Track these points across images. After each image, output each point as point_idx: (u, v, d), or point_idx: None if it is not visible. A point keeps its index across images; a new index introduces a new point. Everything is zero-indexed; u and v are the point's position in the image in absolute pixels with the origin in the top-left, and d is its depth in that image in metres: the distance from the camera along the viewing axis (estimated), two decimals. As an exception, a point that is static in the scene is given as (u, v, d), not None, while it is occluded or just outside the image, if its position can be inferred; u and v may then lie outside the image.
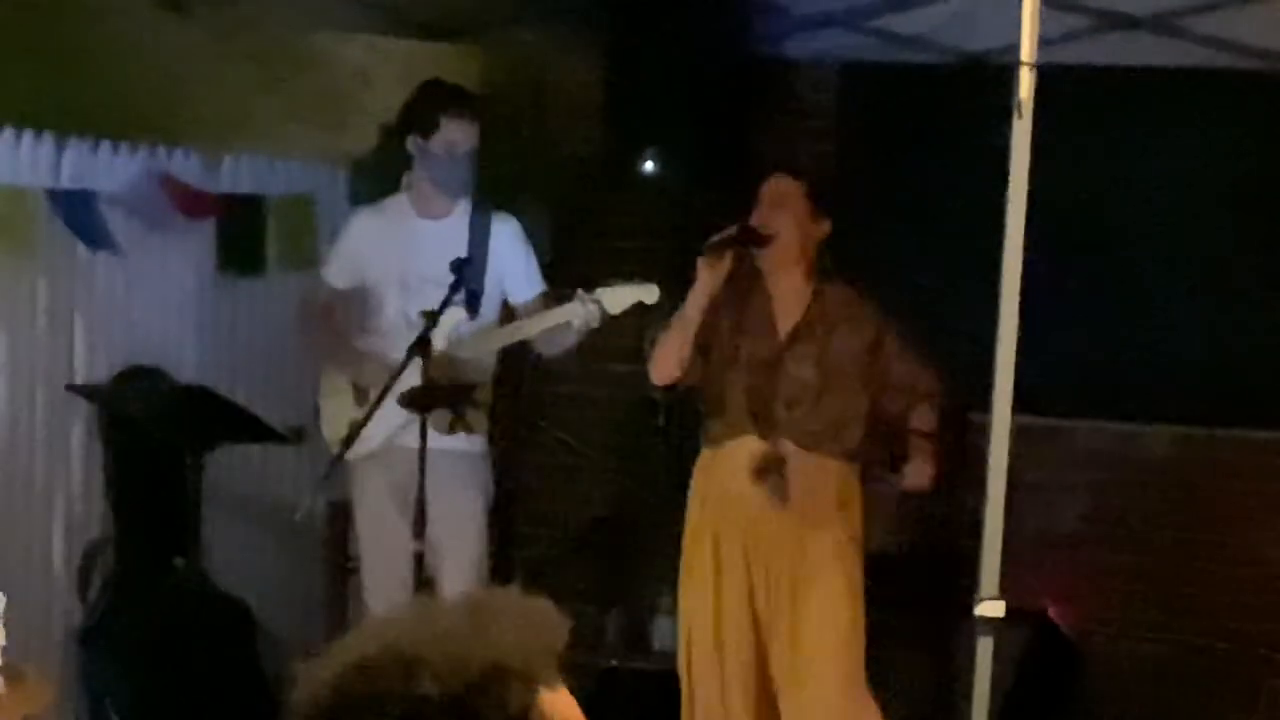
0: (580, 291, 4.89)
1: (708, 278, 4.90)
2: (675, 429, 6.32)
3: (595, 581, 6.57)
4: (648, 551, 6.51)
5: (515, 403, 5.67)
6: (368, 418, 4.66)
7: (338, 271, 5.23)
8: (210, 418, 5.40)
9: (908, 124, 6.25)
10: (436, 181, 5.11)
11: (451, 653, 1.43)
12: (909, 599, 6.03)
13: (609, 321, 4.93)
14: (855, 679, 4.96)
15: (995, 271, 4.28)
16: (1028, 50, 4.18)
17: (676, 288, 4.94)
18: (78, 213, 5.07)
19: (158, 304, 5.56)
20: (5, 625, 3.86)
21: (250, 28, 5.63)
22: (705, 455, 5.11)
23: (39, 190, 4.99)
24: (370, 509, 5.16)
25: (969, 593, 4.44)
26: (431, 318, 4.70)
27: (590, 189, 6.36)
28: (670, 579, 5.27)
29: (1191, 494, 6.34)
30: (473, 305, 5.02)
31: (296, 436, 5.50)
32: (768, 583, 4.97)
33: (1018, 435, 4.36)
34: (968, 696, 4.46)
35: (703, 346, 5.00)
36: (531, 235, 5.28)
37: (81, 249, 5.17)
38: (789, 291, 5.04)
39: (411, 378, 4.68)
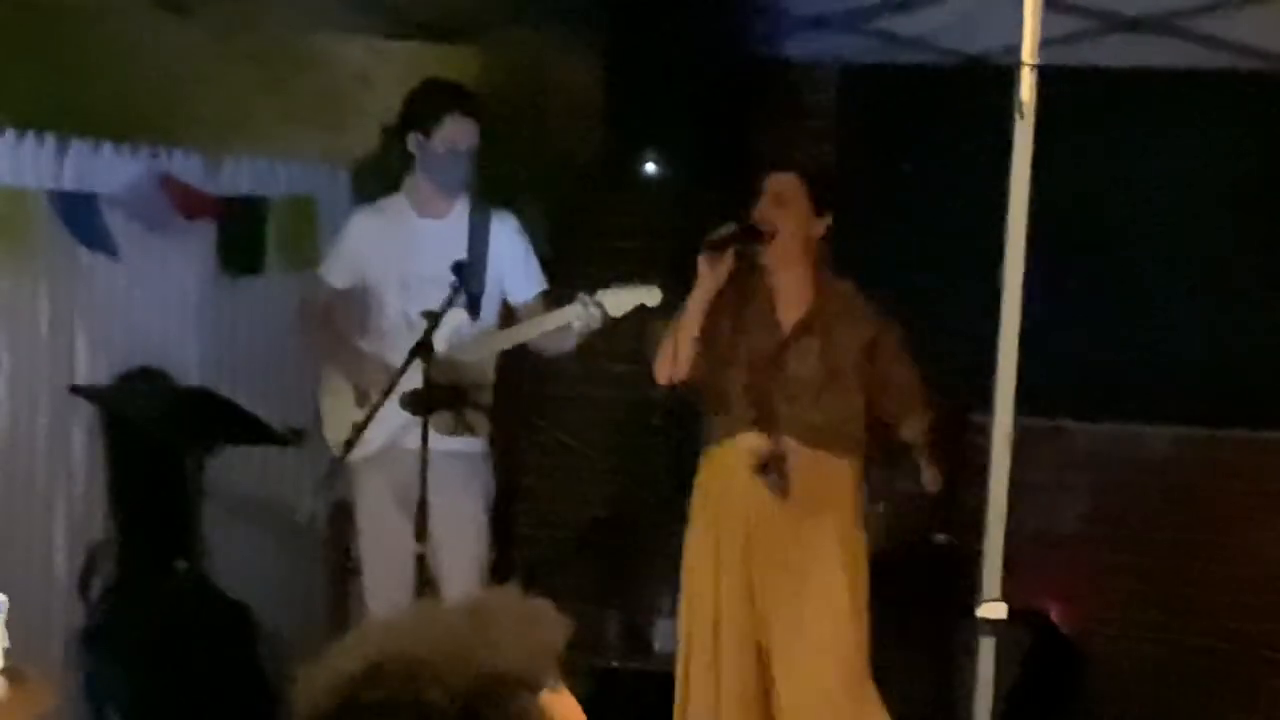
0: (582, 294, 4.89)
1: (709, 276, 4.90)
2: (675, 429, 6.32)
3: (595, 582, 6.57)
4: (648, 552, 6.51)
5: (515, 403, 5.67)
6: (368, 419, 4.65)
7: (337, 271, 5.23)
8: (211, 419, 5.41)
9: (909, 125, 6.26)
10: (437, 180, 5.11)
11: (455, 658, 1.43)
12: (909, 600, 6.03)
13: (609, 322, 4.93)
14: (858, 676, 4.96)
15: (996, 272, 4.28)
16: (1029, 51, 4.18)
17: (677, 288, 4.94)
18: (78, 214, 5.07)
19: (159, 305, 5.56)
20: (7, 627, 3.87)
21: (250, 29, 5.64)
22: (708, 453, 5.11)
23: (40, 191, 5.00)
24: (371, 510, 5.16)
25: (970, 593, 4.44)
26: (433, 319, 4.70)
27: (590, 189, 6.37)
28: (670, 580, 5.27)
29: (1192, 494, 6.35)
30: (473, 307, 5.02)
31: (296, 438, 5.50)
32: (768, 580, 4.97)
33: (1018, 436, 4.36)
34: (968, 697, 4.46)
35: (705, 344, 5.00)
36: (532, 236, 5.28)
37: (83, 250, 5.17)
38: (791, 288, 5.04)
39: (412, 379, 4.68)
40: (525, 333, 5.09)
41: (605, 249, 6.36)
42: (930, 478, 5.09)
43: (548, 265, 5.30)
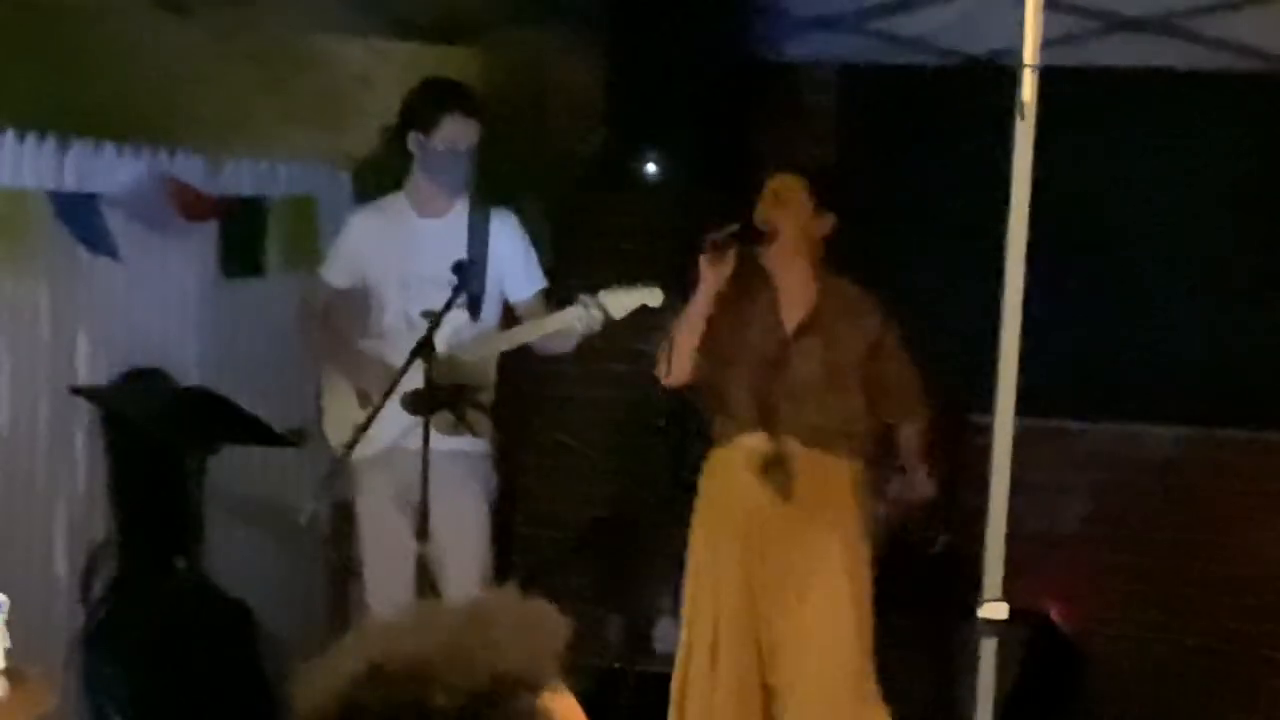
0: (583, 295, 4.89)
1: (711, 277, 4.90)
2: (676, 429, 6.32)
3: (597, 583, 6.57)
4: (648, 552, 6.51)
5: (515, 404, 5.67)
6: (370, 420, 4.65)
7: (337, 271, 5.24)
8: (212, 419, 5.40)
9: (909, 126, 6.25)
10: (437, 180, 5.11)
11: (458, 661, 1.43)
12: (910, 600, 6.03)
13: (610, 323, 4.93)
14: (861, 678, 4.96)
15: (997, 273, 4.28)
16: (1030, 52, 4.19)
17: (678, 289, 4.94)
18: (79, 215, 5.07)
19: (160, 305, 5.56)
20: (8, 627, 3.87)
21: (251, 29, 5.64)
22: (713, 454, 5.11)
23: (41, 192, 5.00)
24: (374, 511, 5.16)
25: (971, 594, 4.44)
26: (434, 319, 4.69)
27: (591, 190, 6.37)
28: (671, 580, 5.27)
29: (1192, 494, 6.35)
30: (474, 307, 5.02)
31: (297, 438, 5.50)
32: (771, 581, 4.97)
33: (1019, 436, 4.36)
34: (969, 697, 4.47)
35: (707, 345, 5.00)
36: (533, 236, 5.28)
37: (84, 251, 5.17)
38: (795, 288, 5.04)
39: (413, 380, 4.68)
40: (527, 334, 5.09)
41: (606, 249, 6.36)
42: (919, 483, 5.06)
43: (548, 266, 5.30)
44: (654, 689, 5.48)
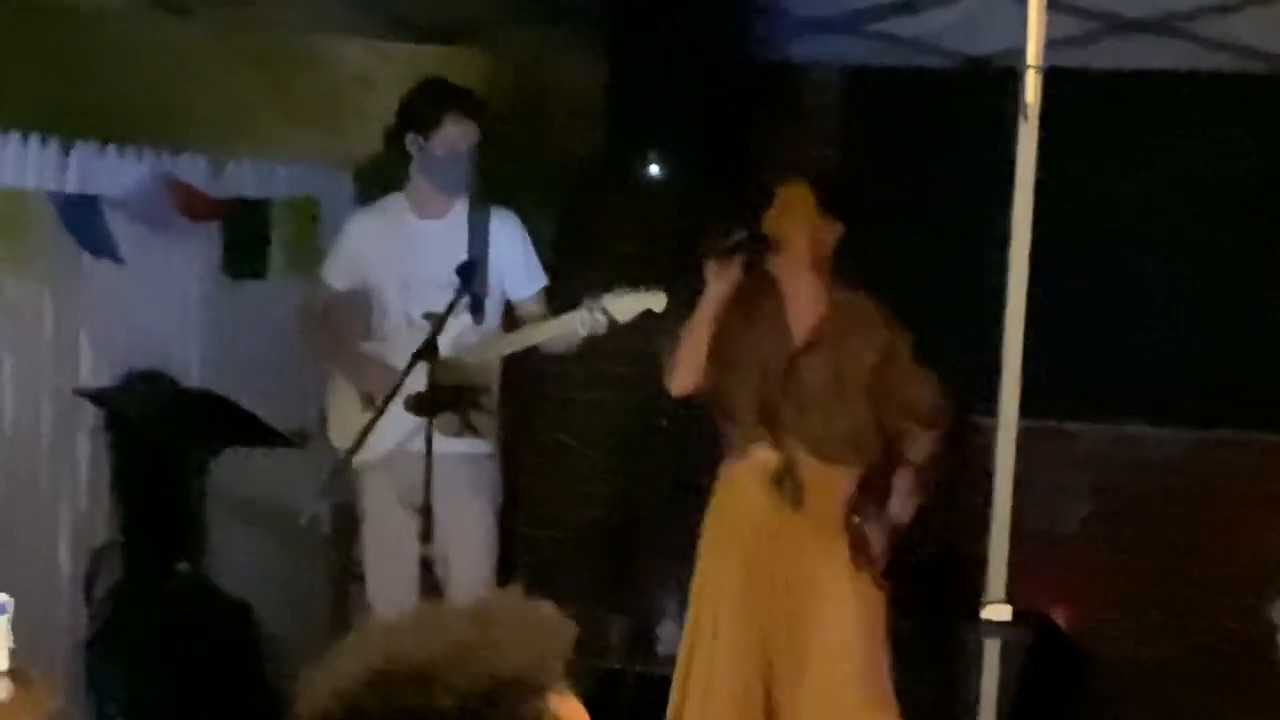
0: (587, 299, 4.88)
1: (717, 284, 4.88)
2: (679, 430, 6.32)
3: (600, 584, 6.57)
4: (652, 554, 6.51)
5: (518, 405, 5.67)
6: (372, 423, 4.65)
7: (337, 273, 5.23)
8: (214, 421, 5.41)
9: (912, 127, 6.25)
10: (436, 181, 5.10)
11: (462, 664, 1.43)
12: (912, 602, 6.03)
13: (614, 327, 4.92)
14: (873, 687, 4.93)
15: (1000, 274, 4.28)
16: (1033, 54, 4.19)
17: (682, 293, 4.94)
18: (81, 218, 5.07)
19: (162, 307, 5.57)
20: (11, 629, 3.87)
21: (252, 31, 5.64)
22: (724, 467, 5.09)
23: (44, 194, 5.00)
24: (379, 514, 5.15)
25: (974, 595, 4.44)
26: (437, 322, 4.69)
27: (594, 193, 6.37)
28: (674, 582, 5.27)
29: (1193, 495, 6.34)
30: (477, 309, 5.02)
31: (299, 440, 5.51)
32: (779, 592, 4.94)
33: (1020, 437, 4.36)
34: (971, 699, 4.47)
35: (716, 355, 4.98)
36: (534, 238, 5.28)
37: (87, 252, 5.18)
38: (803, 298, 5.01)
39: (417, 382, 4.68)
40: (530, 337, 5.09)
41: (607, 250, 6.35)
42: (899, 511, 5.00)
43: (550, 268, 5.29)
44: (655, 690, 5.48)
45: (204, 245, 5.70)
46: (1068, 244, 5.78)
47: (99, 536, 5.34)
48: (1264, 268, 6.19)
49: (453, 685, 1.42)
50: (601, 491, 6.79)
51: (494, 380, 5.13)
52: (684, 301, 4.94)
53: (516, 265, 5.18)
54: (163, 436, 5.39)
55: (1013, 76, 4.24)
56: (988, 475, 4.35)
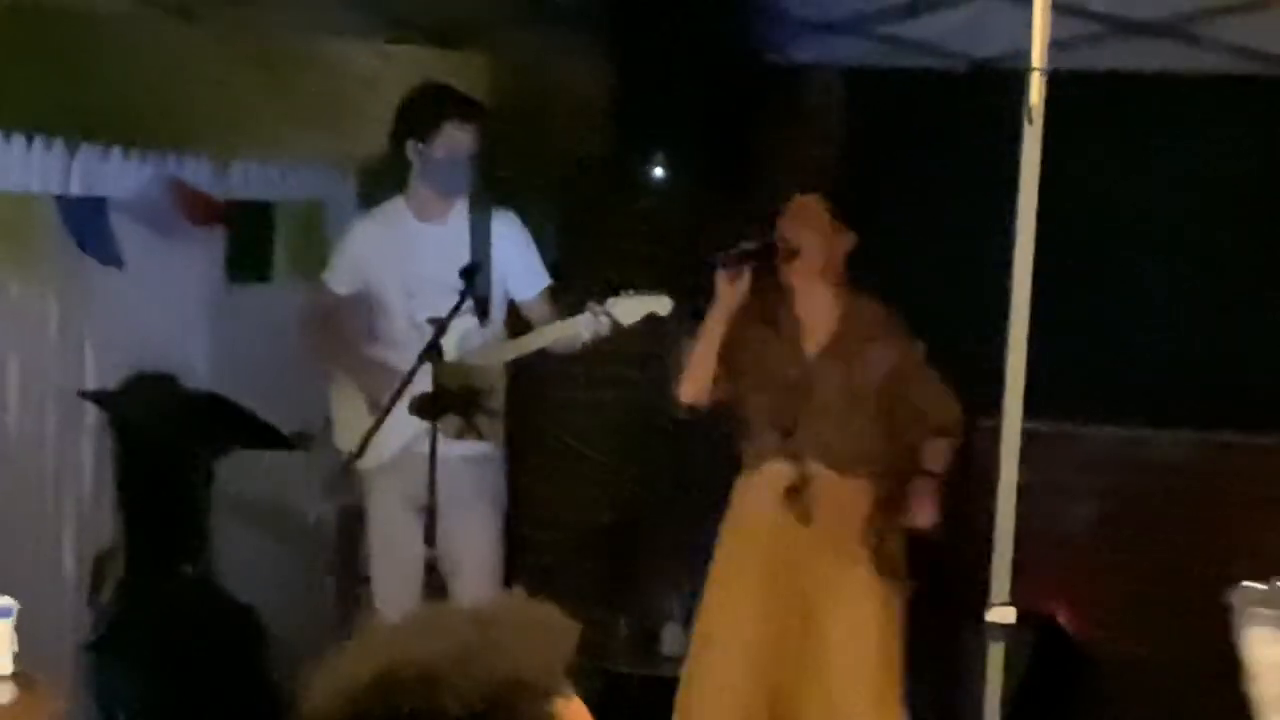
0: (591, 303, 4.88)
1: (728, 293, 4.86)
2: (683, 433, 6.32)
3: (603, 586, 6.56)
4: (656, 556, 6.50)
5: (522, 407, 5.67)
6: (377, 426, 4.64)
7: (339, 277, 5.23)
8: (219, 423, 5.41)
9: (916, 129, 6.25)
10: (436, 185, 5.09)
11: (466, 666, 1.42)
12: (915, 604, 6.02)
13: (618, 330, 4.92)
14: (886, 701, 4.92)
15: (1004, 277, 4.27)
16: (1037, 56, 4.18)
17: (685, 296, 4.93)
18: (85, 222, 5.07)
19: (167, 310, 5.57)
20: (16, 632, 3.87)
21: (256, 33, 5.64)
22: (739, 480, 5.07)
23: (48, 197, 5.00)
24: (384, 517, 5.15)
25: (977, 598, 4.43)
26: (440, 325, 4.69)
27: (597, 195, 6.36)
28: (679, 584, 5.26)
29: (1196, 497, 6.34)
30: (482, 312, 5.01)
31: (304, 442, 5.51)
32: (794, 603, 4.92)
33: (1025, 440, 4.35)
34: (975, 701, 4.45)
35: (728, 366, 4.96)
36: (539, 240, 5.27)
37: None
38: (816, 307, 5.00)
39: (422, 385, 4.67)
40: (535, 341, 5.08)
41: (611, 253, 6.35)
42: (923, 514, 4.99)
43: (554, 270, 5.29)
44: (659, 693, 5.48)
45: (208, 248, 5.70)
46: (1071, 246, 5.77)
47: (103, 539, 5.34)
48: (1267, 270, 6.18)
49: (456, 687, 1.41)
50: (605, 494, 6.79)
51: (498, 383, 5.13)
52: (688, 304, 4.93)
53: (519, 266, 5.17)
54: (167, 439, 5.39)
55: (1017, 79, 4.22)
56: (991, 477, 4.33)
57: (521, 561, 6.53)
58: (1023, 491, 4.33)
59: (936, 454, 5.01)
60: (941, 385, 5.03)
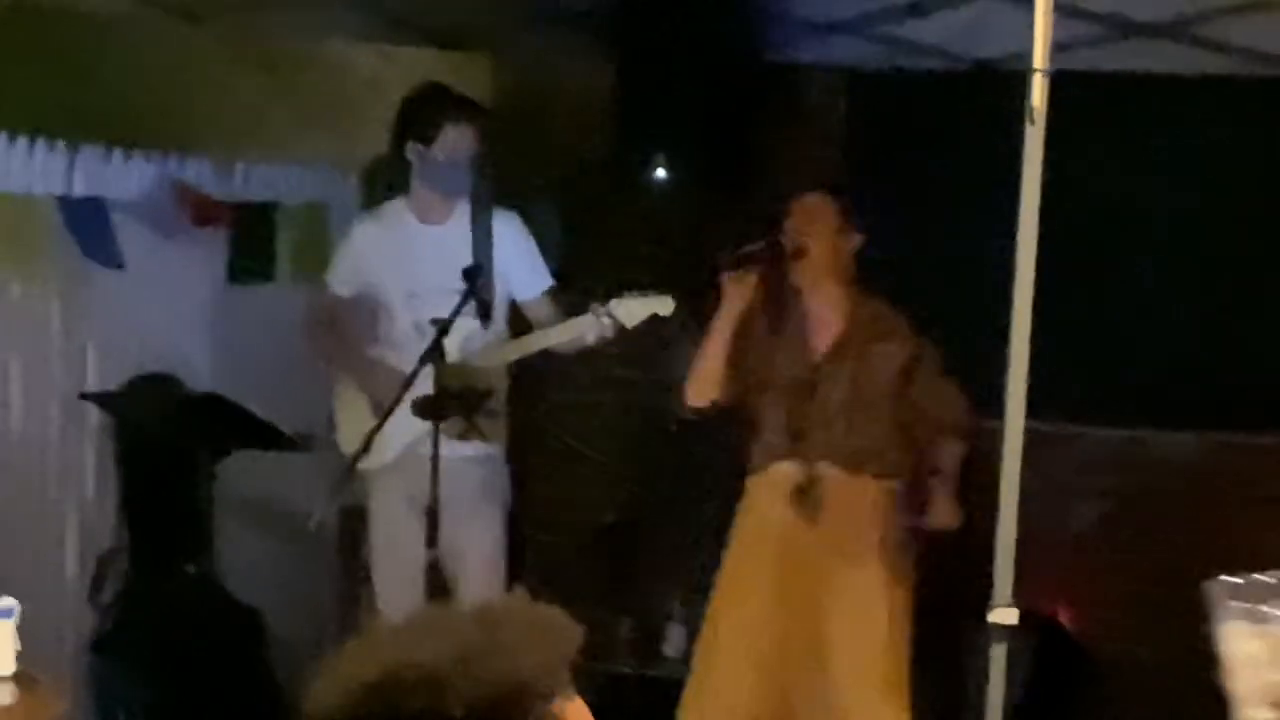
0: (594, 304, 4.88)
1: (734, 295, 4.87)
2: (686, 434, 6.32)
3: (606, 587, 6.56)
4: (659, 557, 6.50)
5: (525, 408, 5.67)
6: (379, 427, 4.64)
7: (341, 279, 5.23)
8: (222, 424, 5.41)
9: (919, 130, 6.25)
10: (437, 187, 5.09)
11: (469, 668, 1.42)
12: (918, 606, 6.02)
13: (621, 331, 4.92)
14: (893, 701, 4.92)
15: (1007, 277, 4.27)
16: (1040, 57, 4.17)
17: (689, 297, 4.93)
18: (87, 226, 5.07)
19: (170, 311, 5.57)
20: (18, 632, 3.87)
21: (259, 35, 5.64)
22: (748, 482, 5.07)
23: (51, 198, 5.00)
24: (387, 518, 5.15)
25: (981, 599, 4.42)
26: (443, 326, 4.68)
27: (600, 195, 6.36)
28: (682, 585, 5.26)
29: (1199, 498, 6.33)
30: (484, 313, 5.01)
31: (307, 443, 5.51)
32: (805, 605, 4.92)
33: (1027, 441, 4.34)
34: (978, 702, 4.45)
35: (737, 367, 4.96)
36: (542, 242, 5.27)
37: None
38: (825, 307, 5.00)
39: (424, 386, 4.67)
40: (537, 342, 5.08)
41: (614, 254, 6.35)
42: (944, 512, 5.01)
43: (557, 271, 5.29)
44: (662, 694, 5.48)
45: (210, 249, 5.70)
46: (1072, 247, 5.77)
47: (106, 540, 5.35)
48: (1269, 272, 6.18)
49: (460, 689, 1.41)
50: (607, 494, 6.79)
51: (501, 384, 5.13)
52: (691, 306, 4.93)
53: (521, 267, 5.17)
54: (170, 440, 5.40)
55: (1019, 80, 4.22)
56: (992, 478, 4.33)
57: (524, 562, 6.53)
58: (1023, 492, 4.33)
59: (948, 454, 5.01)
60: (950, 385, 5.03)
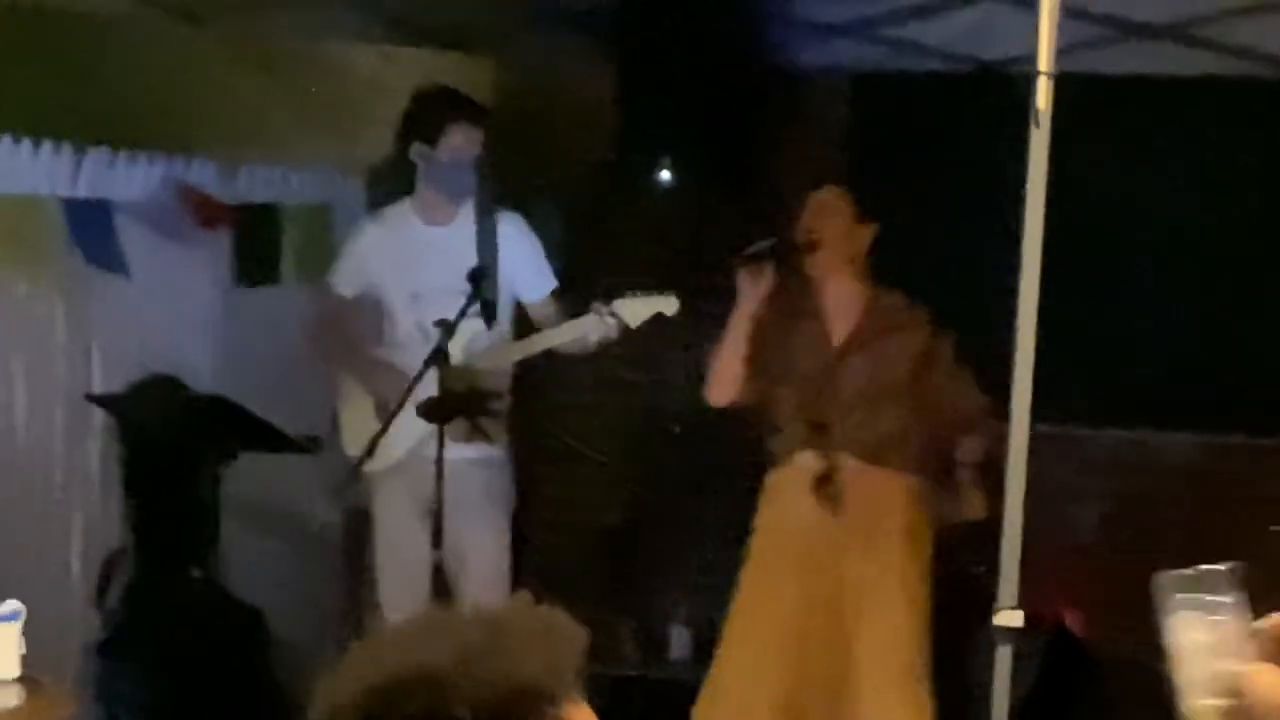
0: (597, 304, 4.88)
1: (750, 291, 4.88)
2: (690, 435, 6.32)
3: (611, 589, 6.56)
4: (663, 559, 6.50)
5: (529, 410, 5.67)
6: (384, 429, 4.65)
7: (346, 280, 5.23)
8: (227, 427, 5.41)
9: (923, 132, 6.24)
10: (441, 188, 5.10)
11: (474, 670, 1.42)
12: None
13: (626, 332, 4.92)
14: (911, 691, 4.92)
15: (1011, 280, 4.27)
16: (1044, 59, 4.17)
17: (692, 296, 4.93)
18: (91, 230, 5.06)
19: (175, 313, 5.57)
20: (24, 635, 3.87)
21: (262, 36, 5.64)
22: (768, 476, 5.07)
23: (56, 200, 5.00)
24: (392, 520, 5.15)
25: (985, 601, 4.42)
26: (448, 328, 4.68)
27: (604, 197, 6.36)
28: (686, 587, 5.26)
29: (1202, 500, 6.33)
30: (489, 315, 5.01)
31: (312, 445, 5.51)
32: (828, 598, 4.92)
33: (1030, 442, 4.34)
34: (984, 705, 4.45)
35: (755, 363, 4.97)
36: (546, 243, 5.27)
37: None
38: (841, 300, 5.01)
39: (429, 388, 4.67)
40: (541, 343, 5.08)
41: (618, 255, 6.35)
42: (972, 504, 5.01)
43: (561, 273, 5.29)
44: (667, 696, 5.48)
45: (214, 251, 5.70)
46: (1075, 249, 5.77)
47: (111, 542, 5.34)
48: (1269, 272, 6.18)
49: (464, 692, 1.41)
50: (613, 496, 6.79)
51: (505, 385, 5.13)
52: (694, 306, 4.93)
53: (526, 268, 5.17)
54: (174, 442, 5.40)
55: (1024, 82, 4.21)
56: (999, 480, 4.33)
57: (528, 564, 6.53)
58: (1030, 495, 4.33)
59: (969, 447, 5.02)
60: (966, 376, 5.04)
